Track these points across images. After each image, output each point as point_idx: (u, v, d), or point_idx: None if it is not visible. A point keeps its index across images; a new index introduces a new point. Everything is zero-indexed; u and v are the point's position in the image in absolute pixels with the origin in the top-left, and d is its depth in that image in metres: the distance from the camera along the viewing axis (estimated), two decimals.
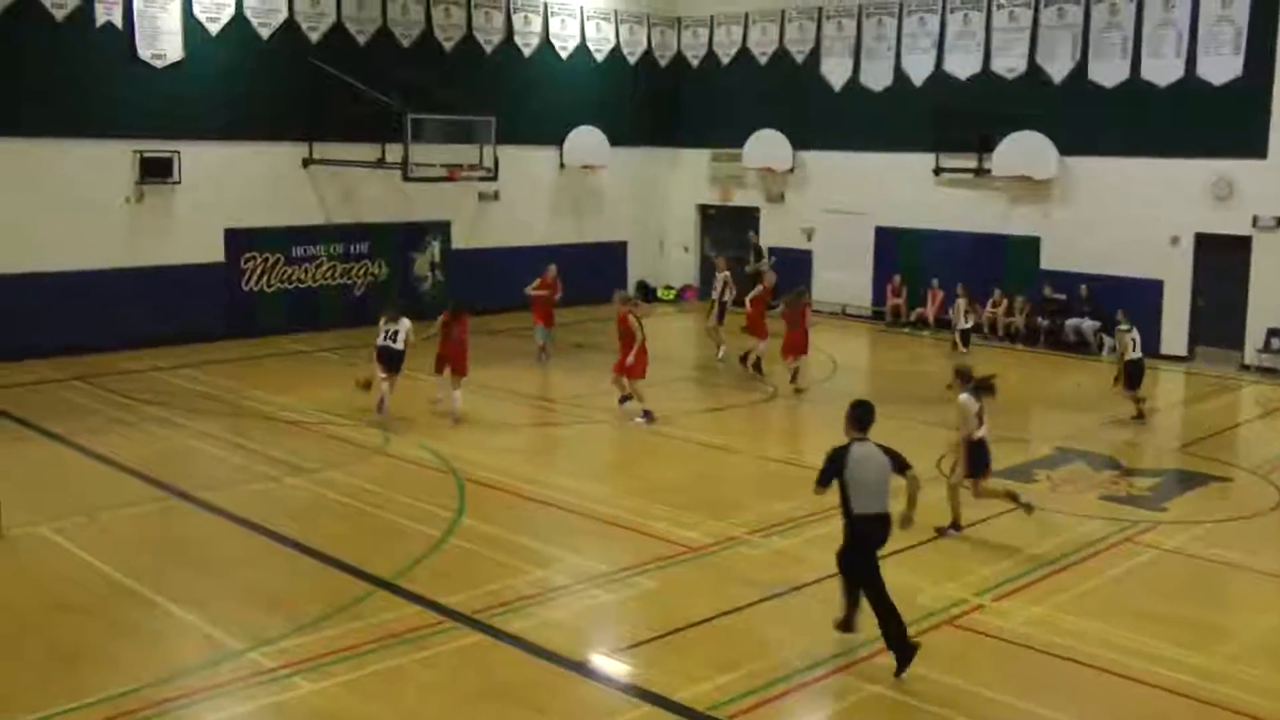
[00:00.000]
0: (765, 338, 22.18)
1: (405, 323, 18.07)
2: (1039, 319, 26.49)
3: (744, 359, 22.55)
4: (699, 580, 12.17)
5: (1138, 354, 19.74)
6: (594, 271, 29.31)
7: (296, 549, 12.81)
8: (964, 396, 13.46)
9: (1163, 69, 25.09)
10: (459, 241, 28.87)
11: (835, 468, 10.08)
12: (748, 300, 22.71)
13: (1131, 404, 19.73)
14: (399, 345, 17.96)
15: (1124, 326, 20.01)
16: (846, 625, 10.50)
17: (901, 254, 29.07)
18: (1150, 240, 25.18)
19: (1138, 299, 25.15)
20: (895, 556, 12.70)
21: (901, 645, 10.02)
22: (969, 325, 22.09)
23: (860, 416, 10.30)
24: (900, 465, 10.19)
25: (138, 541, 13.15)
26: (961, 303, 23.37)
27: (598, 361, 22.20)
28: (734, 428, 18.83)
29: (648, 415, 18.60)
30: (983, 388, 13.57)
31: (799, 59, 30.83)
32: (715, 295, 24.71)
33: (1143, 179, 25.22)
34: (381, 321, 18.19)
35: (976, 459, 13.59)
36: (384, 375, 18.00)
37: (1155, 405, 21.89)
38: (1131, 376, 19.63)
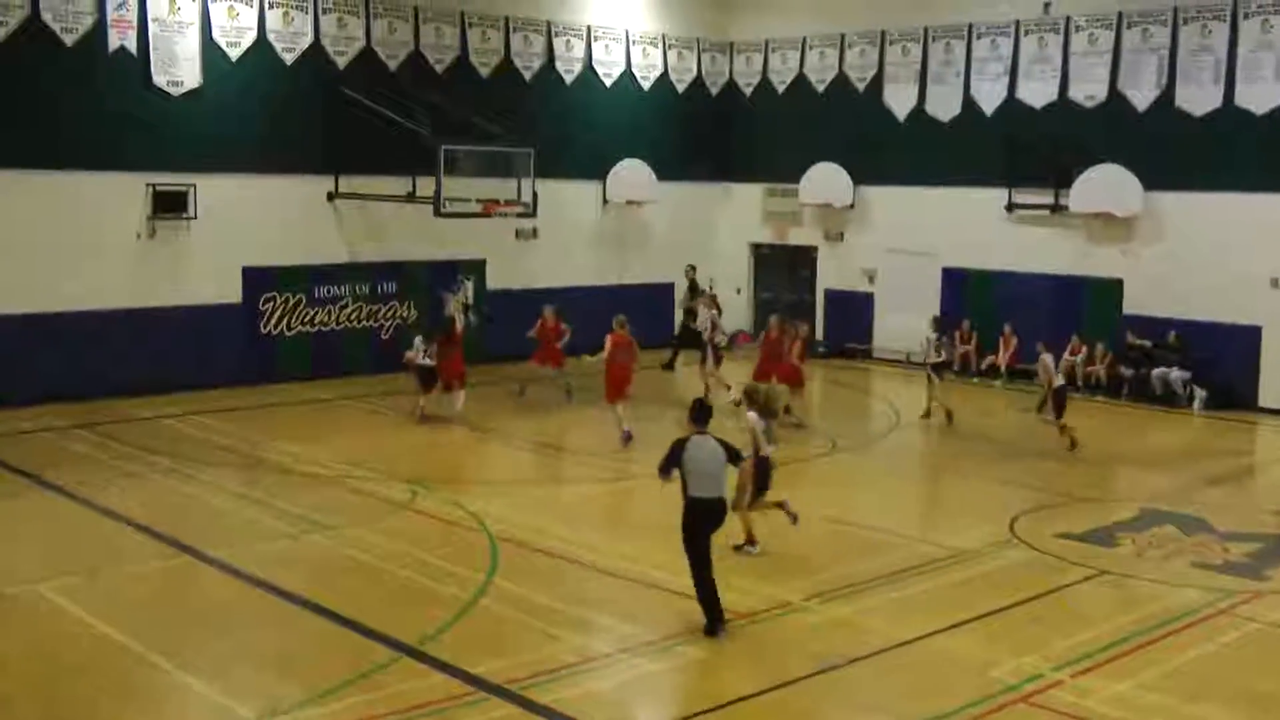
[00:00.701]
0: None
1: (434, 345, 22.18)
2: (1121, 368, 26.19)
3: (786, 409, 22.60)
4: (751, 650, 12.01)
5: (1061, 380, 21.12)
6: (639, 315, 29.11)
7: (314, 611, 12.75)
8: (751, 415, 14.98)
9: (1259, 95, 24.84)
10: (495, 281, 28.93)
11: (675, 457, 12.29)
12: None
13: (1060, 433, 20.74)
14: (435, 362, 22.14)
15: (1044, 354, 21.26)
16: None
17: (971, 297, 28.89)
18: (1247, 282, 24.84)
19: (1232, 346, 24.88)
20: (968, 625, 12.54)
21: (711, 607, 12.20)
22: (941, 359, 22.83)
23: (698, 413, 12.62)
24: (732, 457, 12.44)
25: (143, 601, 13.15)
26: (930, 337, 23.41)
27: (637, 414, 22.17)
28: (788, 484, 18.64)
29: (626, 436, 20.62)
30: (767, 409, 15.10)
31: (860, 87, 30.84)
32: (707, 337, 24.85)
33: (1237, 216, 24.92)
34: (418, 340, 22.52)
35: (761, 476, 14.80)
36: (428, 391, 22.11)
37: (1254, 463, 21.59)
38: (1057, 405, 20.78)
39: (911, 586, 13.90)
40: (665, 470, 12.40)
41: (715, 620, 12.15)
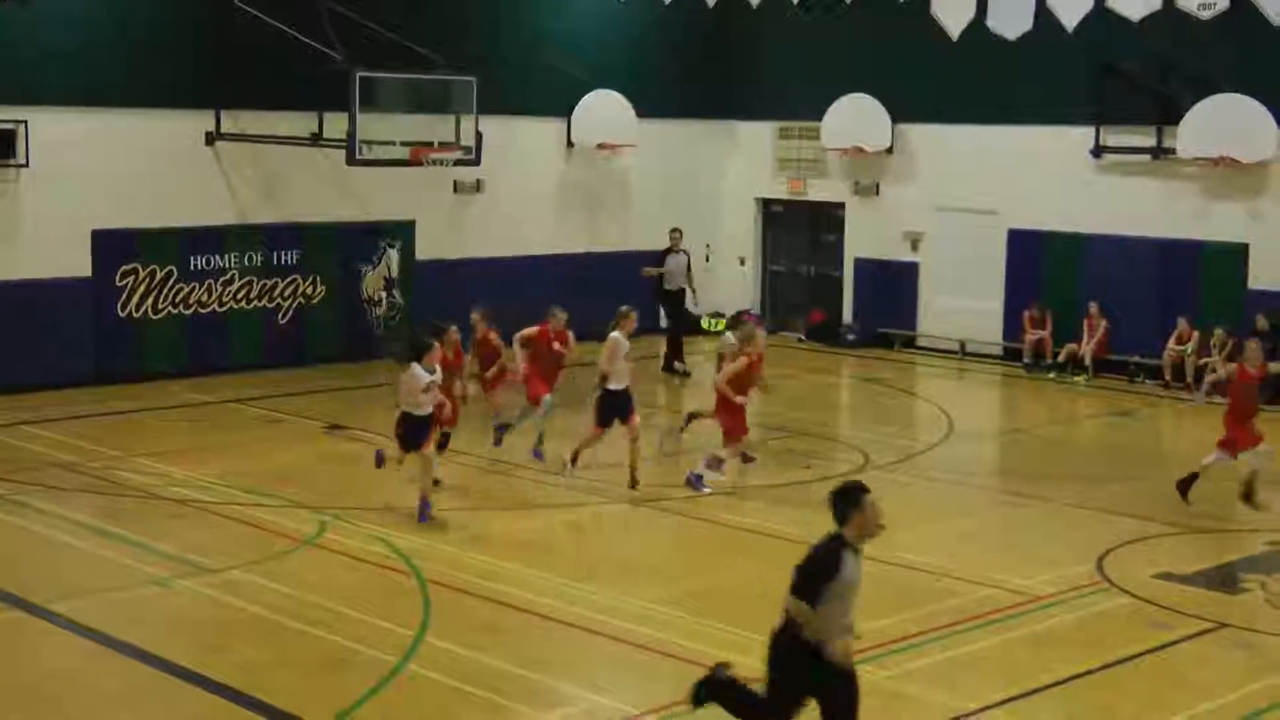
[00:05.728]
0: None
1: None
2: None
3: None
4: None
5: None
6: (614, 293, 28.94)
7: (191, 681, 12.69)
8: None
9: None
10: (426, 250, 28.87)
11: None
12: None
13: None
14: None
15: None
16: None
17: (1046, 269, 28.95)
18: None
19: None
20: (1041, 695, 12.56)
21: None
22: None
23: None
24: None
25: None
26: None
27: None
28: (809, 512, 18.63)
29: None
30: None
31: None
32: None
33: None
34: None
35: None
36: None
37: None
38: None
39: (967, 644, 13.92)
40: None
41: None
